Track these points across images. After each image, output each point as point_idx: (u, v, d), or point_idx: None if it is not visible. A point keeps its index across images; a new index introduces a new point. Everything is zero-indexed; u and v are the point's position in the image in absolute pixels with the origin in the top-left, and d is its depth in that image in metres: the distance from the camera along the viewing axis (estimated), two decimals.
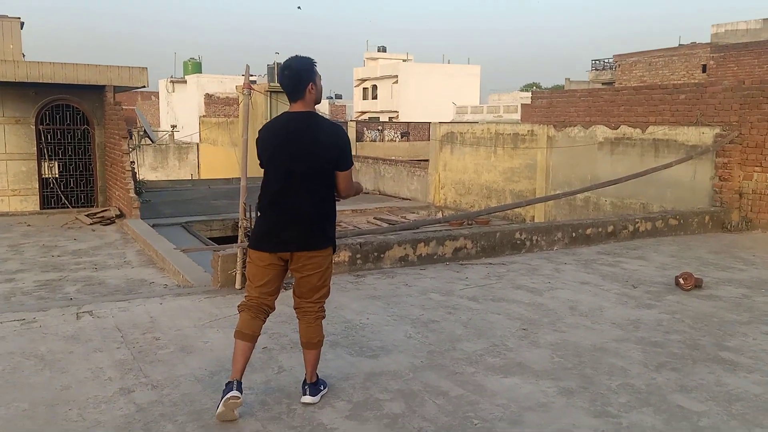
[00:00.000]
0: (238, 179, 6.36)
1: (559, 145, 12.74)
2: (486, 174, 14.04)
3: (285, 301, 5.61)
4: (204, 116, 36.08)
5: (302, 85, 3.36)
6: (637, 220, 8.85)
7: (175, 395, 3.74)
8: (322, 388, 3.72)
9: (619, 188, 10.93)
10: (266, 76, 31.46)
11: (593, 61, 39.84)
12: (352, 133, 27.80)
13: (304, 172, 3.37)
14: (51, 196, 13.36)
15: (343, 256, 6.72)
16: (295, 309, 3.67)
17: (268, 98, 27.44)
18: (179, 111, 40.58)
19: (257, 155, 3.51)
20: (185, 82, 40.62)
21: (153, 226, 10.78)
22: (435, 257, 7.26)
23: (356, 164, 18.76)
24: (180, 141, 34.45)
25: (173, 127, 36.69)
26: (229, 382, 3.41)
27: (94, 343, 4.59)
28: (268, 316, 3.61)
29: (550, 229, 8.09)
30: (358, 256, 6.81)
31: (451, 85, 52.43)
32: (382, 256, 6.95)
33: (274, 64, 30.56)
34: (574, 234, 8.22)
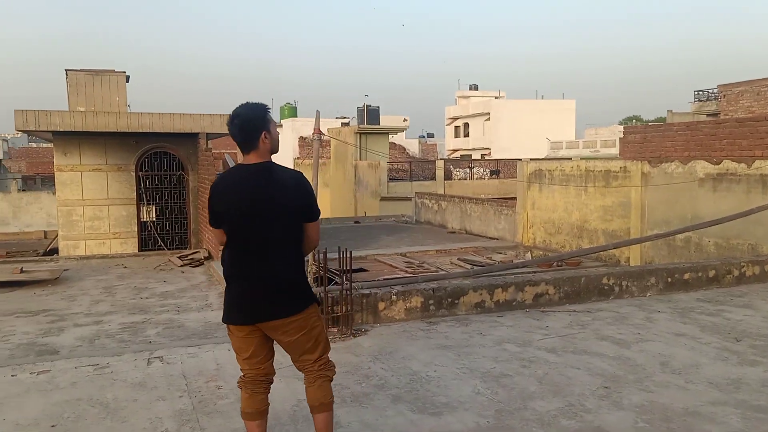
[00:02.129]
0: None
1: (655, 182, 11.98)
2: (576, 213, 13.43)
3: (350, 349, 5.46)
4: (298, 158, 37.26)
5: (254, 135, 3.08)
6: (743, 263, 8.05)
7: None
8: None
9: (724, 228, 10.06)
10: (356, 118, 32.12)
11: (696, 92, 37.83)
12: (440, 172, 27.71)
13: (268, 233, 3.04)
14: (148, 239, 14.05)
15: (415, 302, 6.49)
16: (297, 368, 3.32)
17: (358, 140, 27.96)
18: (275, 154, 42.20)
19: (209, 212, 3.19)
20: (281, 126, 42.29)
21: None
22: (514, 303, 6.88)
23: (443, 203, 18.55)
24: None
25: None
26: None
27: (159, 390, 4.59)
28: (270, 385, 3.29)
29: (642, 274, 7.49)
30: (431, 302, 6.55)
31: (545, 120, 51.48)
32: (456, 302, 6.65)
33: (363, 106, 31.21)
34: (669, 279, 7.56)
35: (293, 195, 3.09)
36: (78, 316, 8.01)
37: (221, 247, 3.26)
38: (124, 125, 12.93)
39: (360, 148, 28.38)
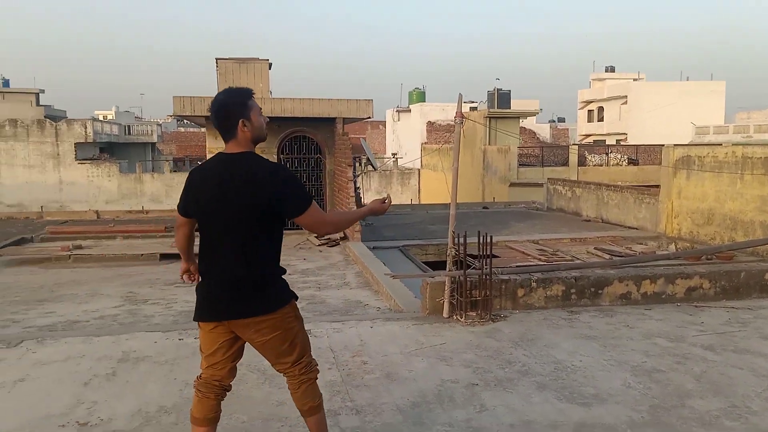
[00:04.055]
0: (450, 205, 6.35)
1: None
2: (730, 203, 12.40)
3: (490, 333, 5.44)
4: (425, 143, 37.41)
5: (231, 122, 2.82)
6: None
7: (377, 423, 3.76)
8: None
9: None
10: (486, 102, 31.65)
11: None
12: (573, 158, 26.69)
13: (234, 228, 2.79)
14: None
15: (555, 290, 6.33)
16: (278, 372, 3.06)
17: (487, 124, 27.57)
18: (403, 138, 42.61)
19: (178, 206, 3.00)
20: (409, 111, 42.58)
21: (372, 248, 11.29)
22: (663, 296, 6.51)
23: (577, 190, 17.87)
24: (403, 167, 36.09)
25: (394, 154, 38.61)
26: None
27: None
28: (225, 392, 3.01)
29: None
30: (573, 291, 6.36)
31: (689, 104, 47.85)
32: (600, 292, 6.41)
33: (494, 90, 30.67)
34: None
35: (266, 189, 2.76)
36: None
37: (177, 232, 3.09)
38: (267, 110, 13.62)
39: (489, 134, 27.97)
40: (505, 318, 6.04)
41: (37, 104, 38.02)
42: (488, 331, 5.65)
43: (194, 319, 2.95)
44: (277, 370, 3.02)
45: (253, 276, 2.81)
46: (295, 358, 2.96)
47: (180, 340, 5.45)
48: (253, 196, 2.76)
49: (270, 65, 16.33)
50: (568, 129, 57.23)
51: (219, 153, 2.90)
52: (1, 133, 29.67)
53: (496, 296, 6.23)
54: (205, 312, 2.89)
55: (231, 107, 2.83)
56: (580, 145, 30.88)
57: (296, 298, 3.00)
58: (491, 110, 29.48)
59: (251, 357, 4.90)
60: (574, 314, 6.13)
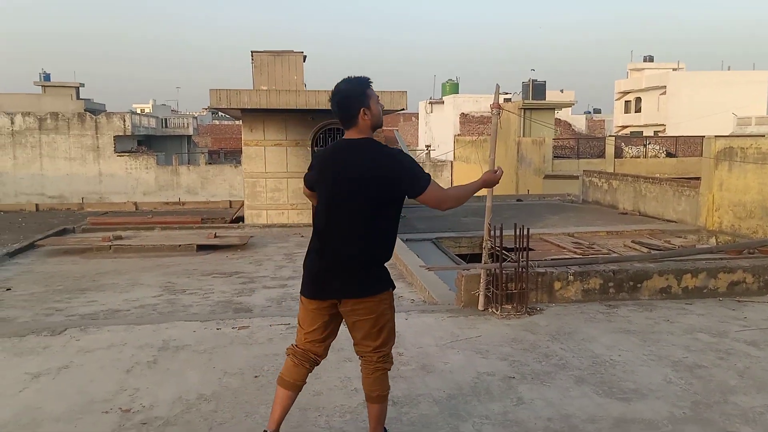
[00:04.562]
0: (486, 198, 6.30)
1: None
2: None
3: (526, 326, 5.39)
4: (458, 135, 37.18)
5: (353, 111, 2.97)
6: None
7: (413, 415, 3.77)
8: None
9: None
10: (521, 93, 31.29)
11: None
12: (609, 149, 26.23)
13: (352, 211, 2.95)
14: None
15: (593, 283, 6.25)
16: (357, 354, 3.20)
17: (522, 116, 27.26)
18: (436, 130, 42.42)
19: (305, 180, 3.21)
20: (442, 102, 42.36)
21: (406, 240, 11.28)
22: (705, 291, 6.37)
23: (613, 182, 17.57)
24: (435, 159, 35.95)
25: (427, 146, 38.47)
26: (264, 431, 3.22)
27: (345, 352, 4.85)
28: (316, 365, 3.21)
29: None
30: (611, 284, 6.27)
31: (731, 94, 46.54)
32: (639, 286, 6.30)
33: (528, 81, 30.29)
34: None
35: (388, 173, 2.92)
36: (265, 279, 8.71)
37: (311, 200, 3.25)
38: (302, 102, 13.70)
39: (524, 125, 27.66)
40: (541, 311, 5.98)
41: (78, 98, 38.87)
42: (524, 324, 5.60)
43: (301, 293, 3.12)
44: (356, 351, 3.16)
45: (365, 256, 2.97)
46: (379, 344, 3.08)
47: (218, 329, 5.54)
48: (377, 180, 2.92)
49: (304, 57, 16.41)
50: (604, 120, 56.28)
51: (342, 139, 3.08)
52: (43, 126, 30.44)
53: (532, 289, 6.18)
54: (311, 289, 3.05)
55: (352, 97, 2.98)
56: (616, 137, 30.31)
57: (394, 287, 3.13)
58: (526, 101, 29.12)
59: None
60: (612, 308, 6.04)
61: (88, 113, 32.18)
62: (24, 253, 11.01)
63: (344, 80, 3.04)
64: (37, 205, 21.41)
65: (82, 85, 40.24)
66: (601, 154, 26.58)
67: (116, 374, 4.47)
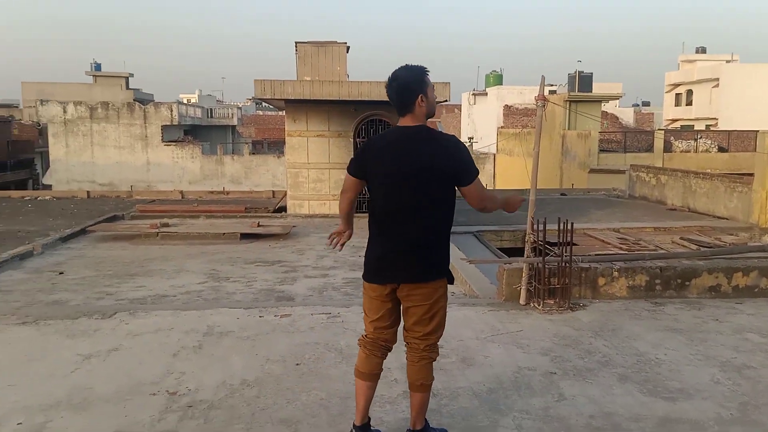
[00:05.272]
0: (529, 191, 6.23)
1: None
2: None
3: (568, 322, 5.33)
4: (502, 127, 36.77)
5: (411, 98, 3.00)
6: None
7: (453, 407, 3.77)
8: None
9: None
10: (566, 85, 30.73)
11: None
12: (658, 143, 25.57)
13: (414, 197, 2.99)
14: (362, 202, 14.89)
15: (639, 280, 6.12)
16: (404, 341, 3.25)
17: (567, 108, 26.78)
18: (479, 122, 42.05)
19: (350, 168, 3.19)
20: (486, 94, 41.93)
21: None
22: (756, 290, 6.18)
23: (662, 177, 17.13)
24: (478, 151, 35.66)
25: (470, 139, 38.16)
26: (353, 426, 3.26)
27: None
28: (388, 352, 3.25)
29: None
30: (657, 281, 6.13)
31: None
32: (687, 283, 6.15)
33: (575, 73, 29.73)
34: None
35: (446, 159, 2.99)
36: (307, 269, 8.81)
37: (343, 195, 3.26)
38: (345, 93, 13.75)
39: (569, 118, 27.17)
40: (584, 307, 5.90)
41: (127, 88, 39.90)
42: (567, 319, 5.53)
43: (363, 278, 3.19)
44: (404, 337, 3.20)
45: (424, 241, 3.02)
46: (428, 331, 3.12)
47: (260, 317, 5.63)
48: (436, 165, 2.96)
49: (348, 48, 16.44)
50: (653, 113, 54.85)
51: (396, 126, 3.10)
52: (94, 116, 31.32)
53: (576, 284, 6.09)
54: (375, 274, 3.11)
55: (412, 83, 3.01)
56: (666, 131, 29.53)
57: (452, 280, 3.17)
58: (572, 93, 28.62)
59: (329, 337, 5.03)
60: (658, 306, 5.91)
61: (137, 103, 32.99)
62: (76, 238, 11.38)
63: (403, 67, 3.07)
64: (88, 192, 22.03)
65: (132, 75, 41.27)
66: (650, 148, 25.96)
67: (163, 358, 4.60)
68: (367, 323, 3.22)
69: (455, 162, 3.00)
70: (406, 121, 3.05)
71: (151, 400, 3.86)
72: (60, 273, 8.50)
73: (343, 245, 3.36)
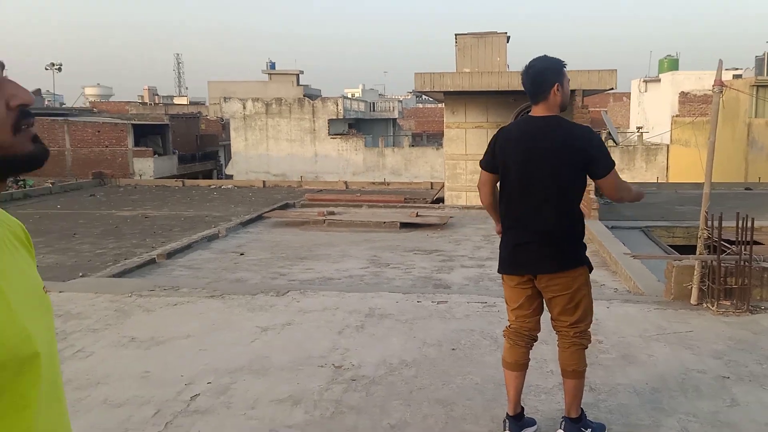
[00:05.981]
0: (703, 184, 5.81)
1: None
2: None
3: (746, 325, 4.92)
4: (677, 116, 34.09)
5: (546, 86, 2.97)
6: None
7: (611, 403, 3.69)
8: (584, 430, 3.16)
9: None
10: (754, 68, 27.77)
11: None
12: None
13: (547, 186, 2.97)
14: None
15: None
16: (554, 329, 3.21)
17: (754, 94, 24.21)
18: (650, 111, 39.33)
19: (482, 162, 3.18)
20: (659, 81, 39.10)
21: (611, 228, 10.76)
22: None
23: None
24: (648, 142, 33.43)
25: (639, 128, 35.81)
26: (506, 416, 3.28)
27: (541, 334, 4.86)
28: (533, 341, 3.23)
29: None
30: None
31: None
32: None
33: (763, 55, 26.77)
34: None
35: (576, 148, 2.97)
36: (463, 259, 8.93)
37: (482, 189, 3.26)
38: (504, 84, 13.62)
39: (756, 105, 24.54)
40: (765, 310, 5.41)
41: (297, 84, 42.48)
42: (744, 322, 5.12)
43: (498, 272, 3.24)
44: (553, 326, 3.20)
45: (560, 231, 3.02)
46: (575, 320, 3.10)
47: (418, 302, 5.85)
48: (569, 155, 2.98)
49: (508, 38, 16.25)
50: None
51: (528, 116, 3.12)
52: (269, 111, 33.80)
53: (756, 286, 5.60)
54: (510, 265, 3.14)
55: (548, 72, 3.03)
56: None
57: (591, 268, 3.15)
58: (759, 78, 25.77)
59: (484, 325, 5.11)
60: None
61: (306, 98, 35.06)
62: (254, 224, 12.46)
63: (539, 58, 3.09)
64: (264, 181, 23.96)
65: (302, 72, 43.83)
66: None
67: (329, 334, 4.96)
68: (509, 312, 3.25)
69: (589, 152, 2.99)
70: (538, 110, 3.05)
71: (319, 371, 4.21)
72: (241, 254, 9.40)
73: None
